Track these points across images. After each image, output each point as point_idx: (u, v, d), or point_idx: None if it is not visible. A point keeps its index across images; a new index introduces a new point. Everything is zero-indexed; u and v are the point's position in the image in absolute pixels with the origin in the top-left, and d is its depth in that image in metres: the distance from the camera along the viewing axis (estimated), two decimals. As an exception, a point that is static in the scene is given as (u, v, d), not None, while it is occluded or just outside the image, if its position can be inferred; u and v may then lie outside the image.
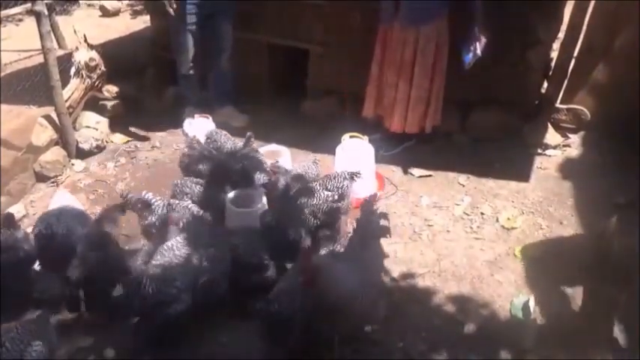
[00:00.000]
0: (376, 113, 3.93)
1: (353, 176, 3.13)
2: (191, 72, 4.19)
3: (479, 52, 3.39)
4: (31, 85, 4.24)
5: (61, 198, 3.30)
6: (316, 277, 2.06)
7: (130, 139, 4.32)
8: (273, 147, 3.69)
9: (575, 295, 2.74)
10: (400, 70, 3.64)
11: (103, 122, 4.40)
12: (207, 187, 3.18)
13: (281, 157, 3.54)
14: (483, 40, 3.37)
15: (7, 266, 2.52)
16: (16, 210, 3.33)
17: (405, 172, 3.82)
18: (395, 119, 3.80)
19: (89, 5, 7.50)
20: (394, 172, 3.83)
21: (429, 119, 3.80)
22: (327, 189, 3.04)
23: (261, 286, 2.53)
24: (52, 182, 3.73)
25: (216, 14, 4.02)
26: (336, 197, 2.98)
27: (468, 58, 3.42)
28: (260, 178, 3.27)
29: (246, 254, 2.62)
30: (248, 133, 3.45)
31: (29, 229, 2.88)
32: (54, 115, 3.88)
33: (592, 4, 3.78)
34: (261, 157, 3.40)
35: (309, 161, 3.46)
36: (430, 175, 3.76)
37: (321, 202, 2.93)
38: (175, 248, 2.50)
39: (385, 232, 2.65)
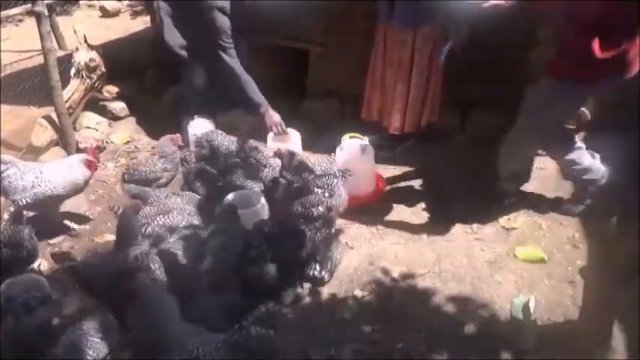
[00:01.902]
0: (377, 114, 3.93)
1: (343, 174, 3.18)
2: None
3: (446, 48, 3.36)
4: (31, 86, 4.25)
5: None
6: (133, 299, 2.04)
7: (129, 139, 4.32)
8: None
9: (575, 295, 2.74)
10: (398, 70, 3.64)
11: (103, 123, 4.41)
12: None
13: (291, 140, 3.71)
14: (452, 38, 3.37)
15: (9, 263, 2.56)
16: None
17: (405, 172, 3.82)
18: (394, 120, 3.79)
19: (89, 6, 7.52)
20: (394, 172, 3.83)
21: (425, 116, 3.80)
22: (317, 186, 3.11)
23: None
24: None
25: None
26: (327, 194, 3.05)
27: (441, 55, 3.43)
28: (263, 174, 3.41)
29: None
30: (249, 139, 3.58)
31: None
32: (54, 116, 3.89)
33: (592, 4, 3.77)
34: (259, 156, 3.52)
35: (324, 157, 3.55)
36: (430, 176, 3.76)
37: (311, 198, 3.01)
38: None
39: None
